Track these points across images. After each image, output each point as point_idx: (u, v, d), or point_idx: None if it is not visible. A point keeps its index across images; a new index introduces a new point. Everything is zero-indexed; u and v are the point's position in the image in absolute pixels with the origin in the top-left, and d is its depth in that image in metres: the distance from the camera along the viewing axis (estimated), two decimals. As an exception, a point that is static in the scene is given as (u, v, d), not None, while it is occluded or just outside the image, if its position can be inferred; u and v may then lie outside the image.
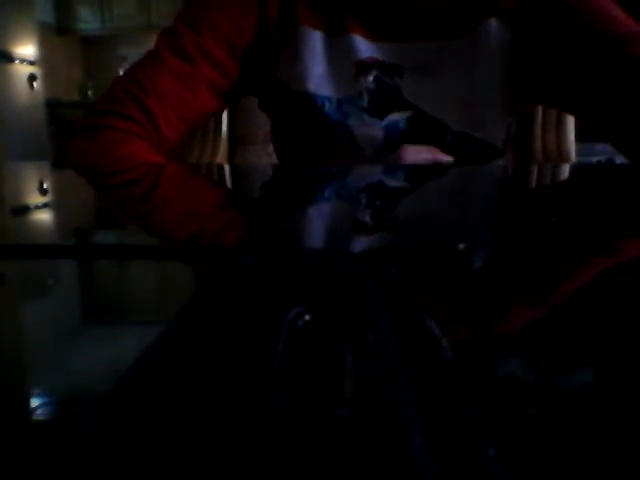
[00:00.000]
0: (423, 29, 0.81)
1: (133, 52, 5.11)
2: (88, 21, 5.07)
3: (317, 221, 0.43)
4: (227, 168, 1.09)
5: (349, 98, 0.82)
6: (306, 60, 0.82)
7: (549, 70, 0.81)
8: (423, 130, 0.82)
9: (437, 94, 0.81)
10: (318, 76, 0.82)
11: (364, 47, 0.81)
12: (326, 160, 0.85)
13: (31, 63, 4.46)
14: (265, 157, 1.25)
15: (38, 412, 0.15)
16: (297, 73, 0.82)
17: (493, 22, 0.80)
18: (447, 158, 0.76)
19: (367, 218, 0.41)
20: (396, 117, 0.82)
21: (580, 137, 1.20)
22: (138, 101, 0.80)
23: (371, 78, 0.82)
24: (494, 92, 0.82)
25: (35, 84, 4.49)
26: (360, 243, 0.34)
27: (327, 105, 0.82)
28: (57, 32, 5.07)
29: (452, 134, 0.82)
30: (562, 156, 1.18)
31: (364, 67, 0.82)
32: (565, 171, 0.90)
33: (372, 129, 0.82)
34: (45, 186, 0.73)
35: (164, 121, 0.80)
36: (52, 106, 4.67)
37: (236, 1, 0.84)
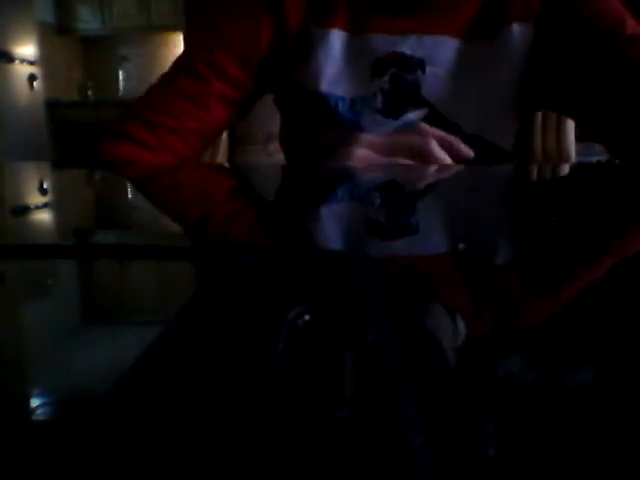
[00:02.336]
0: (447, 24, 0.81)
1: (133, 52, 5.11)
2: (88, 21, 5.06)
3: (327, 223, 0.43)
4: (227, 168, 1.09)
5: (363, 98, 0.82)
6: (322, 60, 0.82)
7: (561, 75, 0.81)
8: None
9: (455, 93, 0.81)
10: (333, 76, 0.82)
11: (384, 44, 0.81)
12: (338, 160, 0.85)
13: (31, 63, 4.45)
14: (265, 157, 1.25)
15: (38, 412, 0.15)
16: (312, 73, 0.83)
17: (516, 27, 0.80)
18: (467, 151, 0.74)
19: (382, 219, 0.41)
20: (410, 117, 0.82)
21: (580, 137, 1.20)
22: (146, 122, 0.82)
23: (387, 78, 0.82)
24: (508, 97, 0.82)
25: (35, 84, 4.48)
26: (373, 246, 0.34)
27: (340, 105, 0.82)
28: (57, 32, 5.06)
29: (465, 136, 0.82)
30: (562, 156, 1.18)
31: (381, 67, 0.82)
32: (565, 171, 0.90)
33: (385, 130, 0.82)
34: (45, 186, 0.73)
35: (174, 138, 0.82)
36: (52, 106, 4.67)
37: (248, 15, 0.84)
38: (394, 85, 0.81)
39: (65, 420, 0.15)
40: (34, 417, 0.15)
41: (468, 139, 0.82)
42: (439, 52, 0.81)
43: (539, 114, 1.18)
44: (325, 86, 0.82)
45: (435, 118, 0.82)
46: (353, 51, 0.82)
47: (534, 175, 0.83)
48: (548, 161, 1.16)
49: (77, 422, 0.13)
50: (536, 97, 0.85)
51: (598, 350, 0.19)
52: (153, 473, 0.10)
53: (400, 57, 0.81)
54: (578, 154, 1.21)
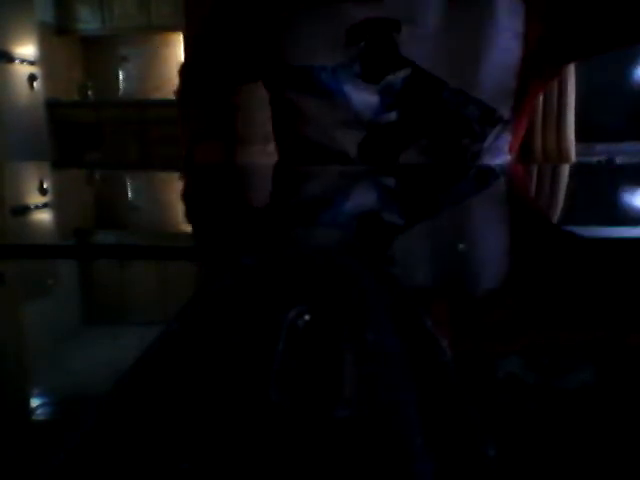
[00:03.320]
0: None
1: (133, 52, 5.11)
2: (88, 21, 5.06)
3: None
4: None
5: (342, 66, 0.84)
6: (300, 37, 0.84)
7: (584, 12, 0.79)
8: (419, 87, 0.82)
9: (436, 49, 0.81)
10: (312, 48, 0.84)
11: (355, 11, 0.82)
12: (326, 133, 0.86)
13: (31, 63, 4.45)
14: (265, 157, 1.24)
15: (38, 412, 0.15)
16: (293, 48, 0.85)
17: None
18: None
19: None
20: (392, 78, 0.83)
21: (580, 137, 1.20)
22: None
23: (362, 45, 0.83)
24: (500, 53, 0.80)
25: (35, 84, 4.48)
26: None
27: (323, 74, 0.84)
28: (57, 32, 5.06)
29: (448, 91, 0.81)
30: (562, 156, 1.18)
31: (356, 34, 0.82)
32: (565, 171, 0.90)
33: (368, 94, 0.83)
34: (45, 186, 0.73)
35: None
36: (52, 106, 4.66)
37: None
38: (371, 50, 0.82)
39: (65, 420, 0.15)
40: (34, 417, 0.15)
41: (452, 94, 0.81)
42: (416, 10, 0.81)
43: (539, 114, 1.18)
44: (307, 59, 0.84)
45: (417, 75, 0.81)
46: (327, 22, 0.83)
47: (534, 175, 0.83)
48: (548, 161, 1.16)
49: (77, 422, 0.13)
50: (557, 54, 0.83)
51: (599, 351, 0.19)
52: (153, 473, 0.10)
53: (373, 21, 0.82)
54: (578, 154, 1.21)
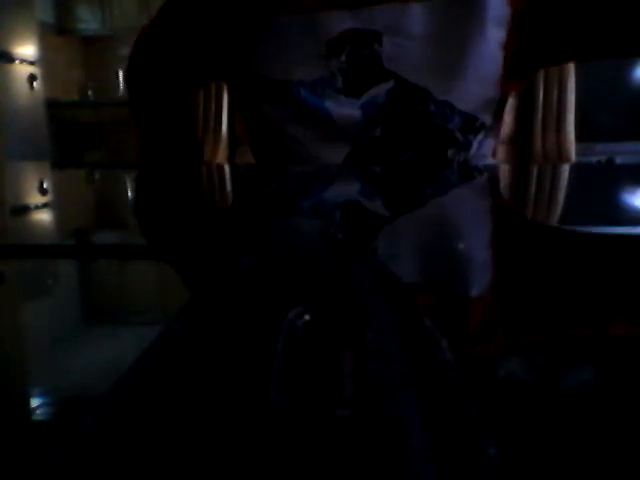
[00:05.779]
0: None
1: (133, 52, 5.10)
2: (88, 21, 5.06)
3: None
4: (227, 168, 1.09)
5: (322, 80, 0.81)
6: (277, 47, 0.82)
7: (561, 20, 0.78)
8: (404, 101, 0.80)
9: (419, 60, 0.79)
10: (288, 62, 0.81)
11: (334, 22, 0.79)
12: (307, 148, 0.85)
13: (31, 63, 4.45)
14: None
15: (38, 412, 0.15)
16: (270, 60, 0.82)
17: None
18: None
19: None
20: (374, 92, 0.81)
21: (580, 137, 1.20)
22: None
23: (343, 58, 0.81)
24: (485, 63, 0.79)
25: (35, 84, 4.48)
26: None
27: (302, 90, 0.82)
28: (57, 32, 5.06)
29: (435, 103, 0.80)
30: (562, 156, 1.18)
31: (335, 47, 0.80)
32: (565, 171, 0.90)
33: (350, 109, 0.81)
34: (45, 186, 0.73)
35: None
36: (52, 106, 4.67)
37: None
38: (352, 64, 0.80)
39: (65, 420, 0.15)
40: (34, 417, 0.15)
41: (439, 106, 0.80)
42: (401, 20, 0.79)
43: (539, 114, 1.18)
44: (284, 73, 0.81)
45: (401, 87, 0.80)
46: (304, 34, 0.81)
47: (533, 175, 0.83)
48: (548, 161, 1.16)
49: (77, 422, 0.13)
50: (527, 60, 0.83)
51: (599, 351, 0.19)
52: (153, 473, 0.10)
53: (353, 33, 0.79)
54: (578, 154, 1.21)
